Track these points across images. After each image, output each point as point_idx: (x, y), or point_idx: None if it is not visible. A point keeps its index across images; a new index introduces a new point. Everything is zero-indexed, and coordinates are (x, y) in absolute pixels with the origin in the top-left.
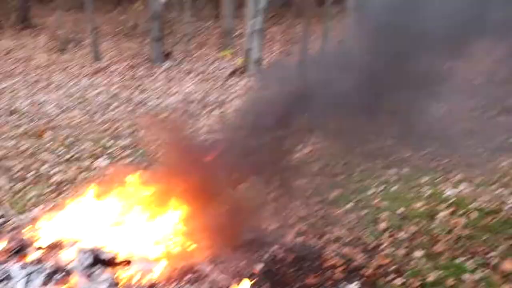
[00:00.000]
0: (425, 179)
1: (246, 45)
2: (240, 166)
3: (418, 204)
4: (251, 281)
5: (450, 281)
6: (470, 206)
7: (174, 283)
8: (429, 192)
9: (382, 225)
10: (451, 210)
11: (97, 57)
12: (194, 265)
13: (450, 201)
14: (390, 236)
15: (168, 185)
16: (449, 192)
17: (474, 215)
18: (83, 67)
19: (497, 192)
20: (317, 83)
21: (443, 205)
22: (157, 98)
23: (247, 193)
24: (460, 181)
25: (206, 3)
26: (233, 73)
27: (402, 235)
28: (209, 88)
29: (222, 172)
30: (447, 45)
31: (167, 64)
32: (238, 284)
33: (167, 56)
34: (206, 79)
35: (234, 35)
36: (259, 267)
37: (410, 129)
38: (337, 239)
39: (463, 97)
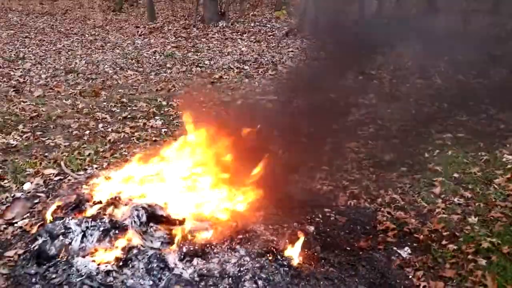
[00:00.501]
0: (481, 144)
1: (301, 5)
2: (294, 128)
3: (474, 169)
4: (302, 242)
5: (506, 248)
6: None
7: (227, 242)
8: (486, 157)
9: (437, 190)
10: (508, 176)
11: (152, 17)
12: (246, 226)
13: (508, 167)
14: (444, 201)
15: (223, 146)
16: (506, 157)
17: None
18: (138, 27)
19: None
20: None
21: (500, 171)
22: (211, 58)
23: (301, 156)
24: None
25: None
26: (287, 34)
27: (456, 200)
28: (264, 48)
29: (276, 134)
30: None
31: (221, 24)
32: (289, 245)
33: (221, 16)
34: (261, 39)
35: None
36: (310, 229)
37: (467, 92)
38: (390, 203)
39: None
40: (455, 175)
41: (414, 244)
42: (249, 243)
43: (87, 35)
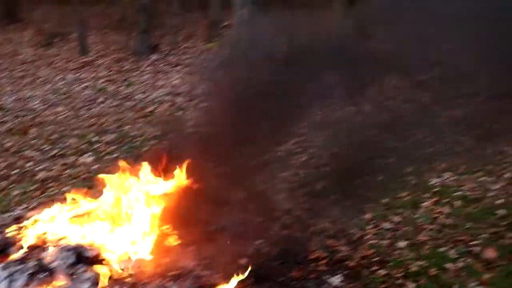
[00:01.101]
0: (410, 168)
1: (233, 36)
2: (225, 158)
3: (403, 194)
4: (235, 276)
5: (433, 271)
6: (453, 195)
7: (158, 280)
8: (414, 181)
9: (367, 216)
10: (435, 199)
11: (83, 51)
12: (178, 261)
13: (434, 190)
14: (374, 227)
15: (153, 182)
16: (433, 181)
17: (458, 203)
18: (69, 61)
19: (480, 179)
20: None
21: (427, 195)
22: (144, 91)
23: (231, 187)
24: (444, 170)
25: None
26: (220, 65)
27: (386, 225)
28: (197, 80)
29: (207, 165)
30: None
31: (154, 57)
32: (222, 280)
33: (154, 48)
34: (194, 71)
35: (222, 26)
36: (243, 261)
37: (396, 118)
38: (321, 232)
39: (451, 83)
40: (385, 200)
41: (346, 272)
42: (181, 280)
43: (16, 71)
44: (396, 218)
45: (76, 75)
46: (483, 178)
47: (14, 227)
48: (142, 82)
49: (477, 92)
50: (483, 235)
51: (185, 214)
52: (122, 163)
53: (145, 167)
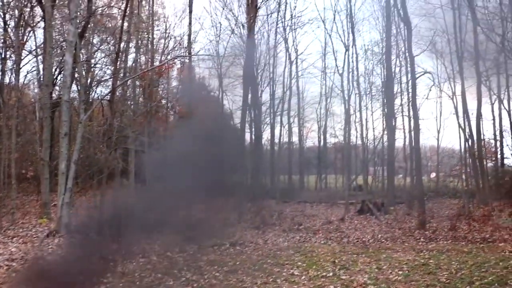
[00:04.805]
0: None
1: (58, 213)
2: None
3: None
4: None
5: None
6: None
7: None
8: None
9: None
10: None
11: None
12: None
13: None
14: None
15: None
16: None
17: None
18: None
19: None
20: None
21: None
22: None
23: None
24: None
25: (31, 182)
26: (48, 235)
27: None
28: (29, 247)
29: None
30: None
31: None
32: None
33: None
34: (27, 241)
35: (51, 205)
36: None
37: (173, 263)
38: None
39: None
40: None
41: None
42: None
43: None
44: None
45: None
46: None
47: None
48: None
49: (222, 243)
50: None
51: None
52: None
53: None
